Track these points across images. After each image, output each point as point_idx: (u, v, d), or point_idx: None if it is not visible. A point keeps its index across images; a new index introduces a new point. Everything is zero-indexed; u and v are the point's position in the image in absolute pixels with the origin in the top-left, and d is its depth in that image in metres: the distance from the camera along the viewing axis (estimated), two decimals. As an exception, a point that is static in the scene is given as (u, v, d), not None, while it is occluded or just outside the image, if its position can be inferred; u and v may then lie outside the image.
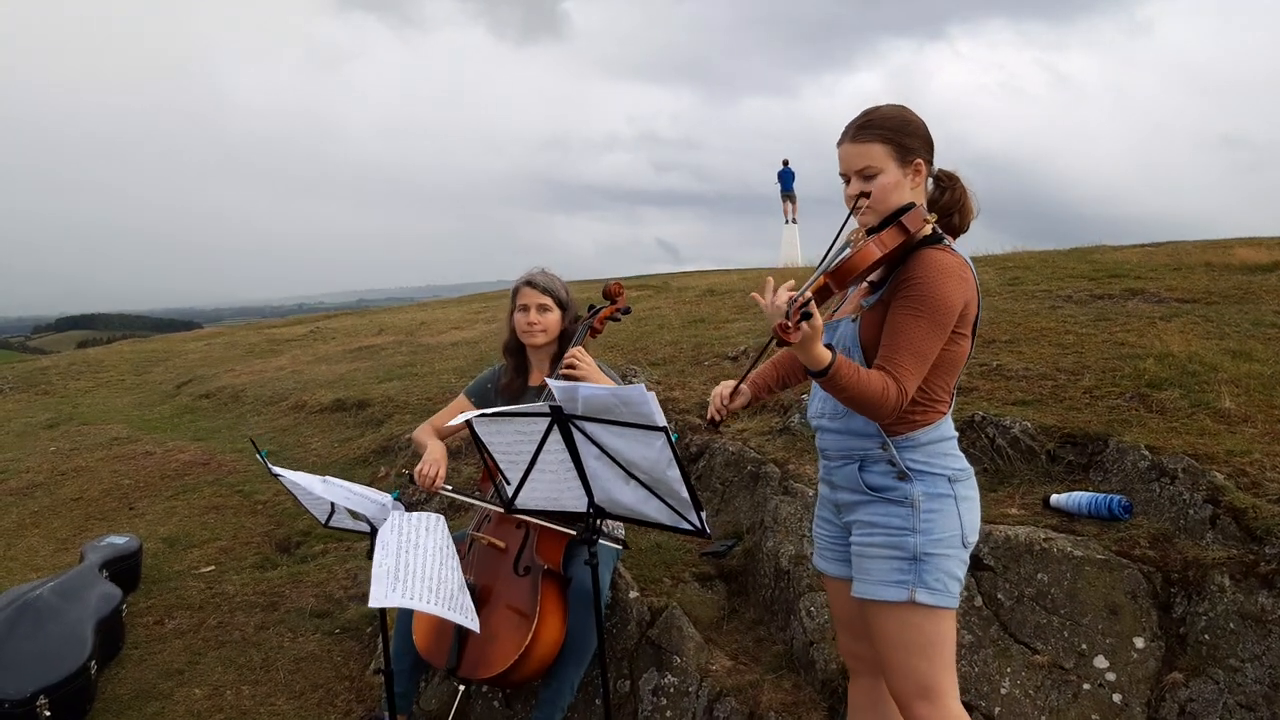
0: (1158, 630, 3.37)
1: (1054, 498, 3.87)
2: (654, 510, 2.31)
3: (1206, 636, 3.26)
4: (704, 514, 2.24)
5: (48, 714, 3.75)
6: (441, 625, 3.41)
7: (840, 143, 2.49)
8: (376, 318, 16.50)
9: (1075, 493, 3.84)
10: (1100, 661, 3.32)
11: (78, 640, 4.13)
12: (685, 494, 2.20)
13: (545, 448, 2.35)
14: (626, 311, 3.85)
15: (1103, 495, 3.77)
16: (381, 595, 2.41)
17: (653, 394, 2.11)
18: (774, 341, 2.12)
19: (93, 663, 4.08)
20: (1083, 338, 5.64)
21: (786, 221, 22.01)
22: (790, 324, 2.08)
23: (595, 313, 3.77)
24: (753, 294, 2.24)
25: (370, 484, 6.37)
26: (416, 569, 2.49)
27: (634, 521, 2.39)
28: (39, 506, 7.01)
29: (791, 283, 2.23)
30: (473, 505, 3.71)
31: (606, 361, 6.60)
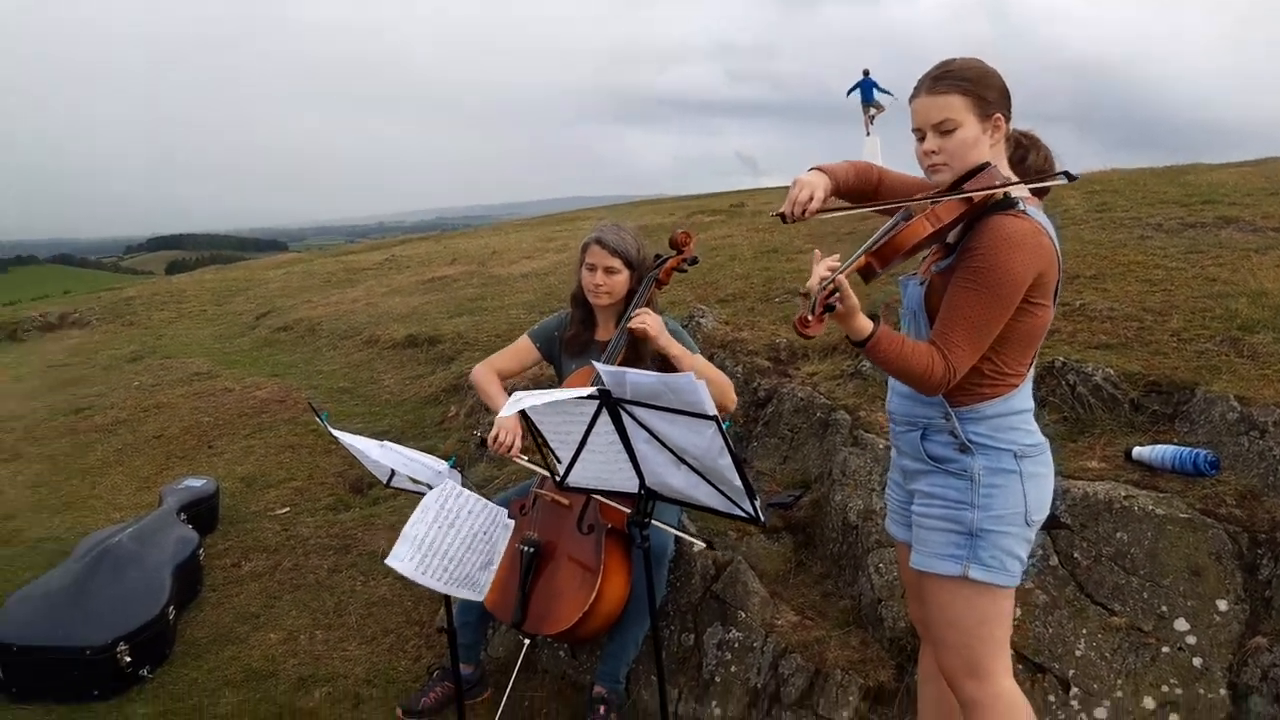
0: (1242, 593, 3.24)
1: (1137, 450, 3.71)
2: (705, 495, 2.24)
3: (1294, 601, 3.13)
4: (758, 502, 2.17)
5: (128, 659, 3.86)
6: (506, 581, 3.42)
7: (914, 96, 2.34)
8: (451, 244, 16.56)
9: (1159, 446, 3.68)
10: (1181, 624, 3.21)
11: (156, 586, 4.24)
12: (738, 482, 2.13)
13: (594, 430, 2.29)
14: (694, 262, 3.73)
15: (1188, 449, 3.60)
16: (401, 557, 2.40)
17: (702, 383, 2.03)
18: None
19: (171, 608, 4.18)
20: (1172, 273, 5.39)
21: (868, 134, 21.50)
22: (811, 318, 1.98)
23: (661, 264, 3.66)
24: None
25: (441, 424, 6.45)
26: (442, 548, 2.47)
27: (686, 505, 2.33)
28: (122, 444, 7.20)
29: (829, 262, 2.12)
30: (524, 466, 3.65)
31: (672, 304, 6.51)
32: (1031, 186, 2.35)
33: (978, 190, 2.18)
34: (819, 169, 2.53)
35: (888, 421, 2.58)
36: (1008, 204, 2.23)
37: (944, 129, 2.27)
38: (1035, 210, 2.28)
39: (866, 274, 2.16)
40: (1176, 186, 8.37)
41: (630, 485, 2.37)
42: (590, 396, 2.21)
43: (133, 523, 4.78)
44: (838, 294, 2.03)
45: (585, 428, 2.29)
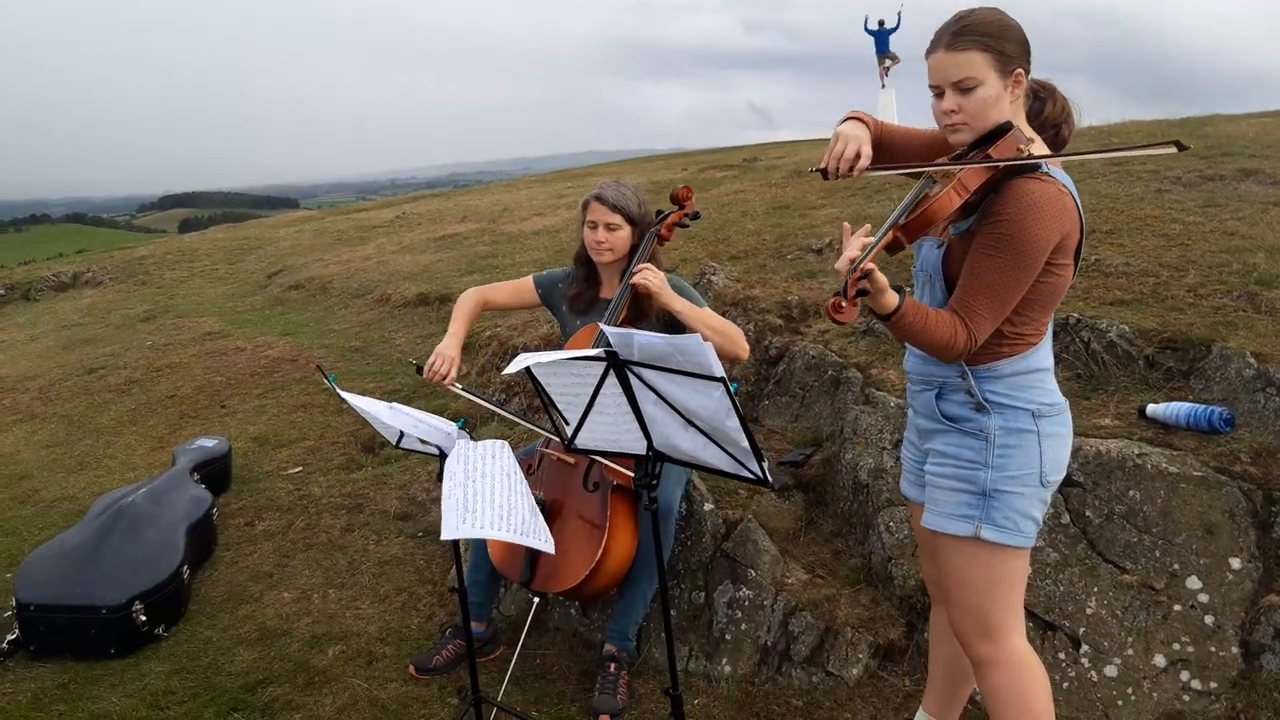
0: (1255, 551, 3.22)
1: (1151, 408, 3.68)
2: (713, 457, 2.23)
3: (1309, 560, 3.11)
4: (765, 463, 2.15)
5: (143, 619, 3.89)
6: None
7: (930, 52, 2.24)
8: (462, 200, 16.48)
9: (1174, 403, 3.65)
10: (1193, 582, 3.20)
11: (170, 545, 4.26)
12: (745, 443, 2.11)
13: (602, 391, 2.27)
14: (695, 217, 3.69)
15: (1203, 406, 3.57)
16: (453, 527, 2.39)
17: (709, 345, 2.00)
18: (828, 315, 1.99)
19: (185, 567, 4.21)
20: (1189, 227, 5.31)
21: (882, 86, 21.13)
22: (845, 303, 1.94)
23: (663, 219, 3.63)
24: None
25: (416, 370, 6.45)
26: (485, 497, 2.46)
27: (694, 466, 2.32)
28: (135, 404, 7.23)
29: (860, 240, 2.08)
30: (487, 408, 3.64)
31: (684, 262, 6.47)
32: (1053, 157, 2.26)
33: (1005, 161, 2.12)
34: (857, 118, 2.45)
35: (905, 380, 2.55)
36: (1031, 167, 2.17)
37: (964, 87, 2.18)
38: (1056, 170, 2.21)
39: (894, 248, 2.12)
40: (1195, 138, 8.23)
41: (638, 447, 2.36)
42: (597, 358, 2.19)
43: (147, 483, 4.80)
44: (867, 278, 1.99)
45: (592, 390, 2.28)
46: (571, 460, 3.50)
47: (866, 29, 19.13)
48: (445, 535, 2.41)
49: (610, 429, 2.36)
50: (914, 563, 3.50)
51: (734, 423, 2.09)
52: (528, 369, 2.30)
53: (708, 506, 3.82)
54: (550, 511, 3.47)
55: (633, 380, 2.18)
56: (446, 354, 3.55)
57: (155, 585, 3.99)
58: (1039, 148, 2.24)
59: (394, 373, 6.94)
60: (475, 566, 3.68)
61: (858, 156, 2.33)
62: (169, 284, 12.47)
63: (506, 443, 2.66)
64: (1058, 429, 2.32)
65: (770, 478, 2.21)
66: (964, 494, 2.32)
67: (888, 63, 21.16)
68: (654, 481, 2.37)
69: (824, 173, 2.35)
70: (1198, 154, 7.33)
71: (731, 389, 2.03)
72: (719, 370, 2.01)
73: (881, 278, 2.02)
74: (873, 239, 2.09)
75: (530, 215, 12.09)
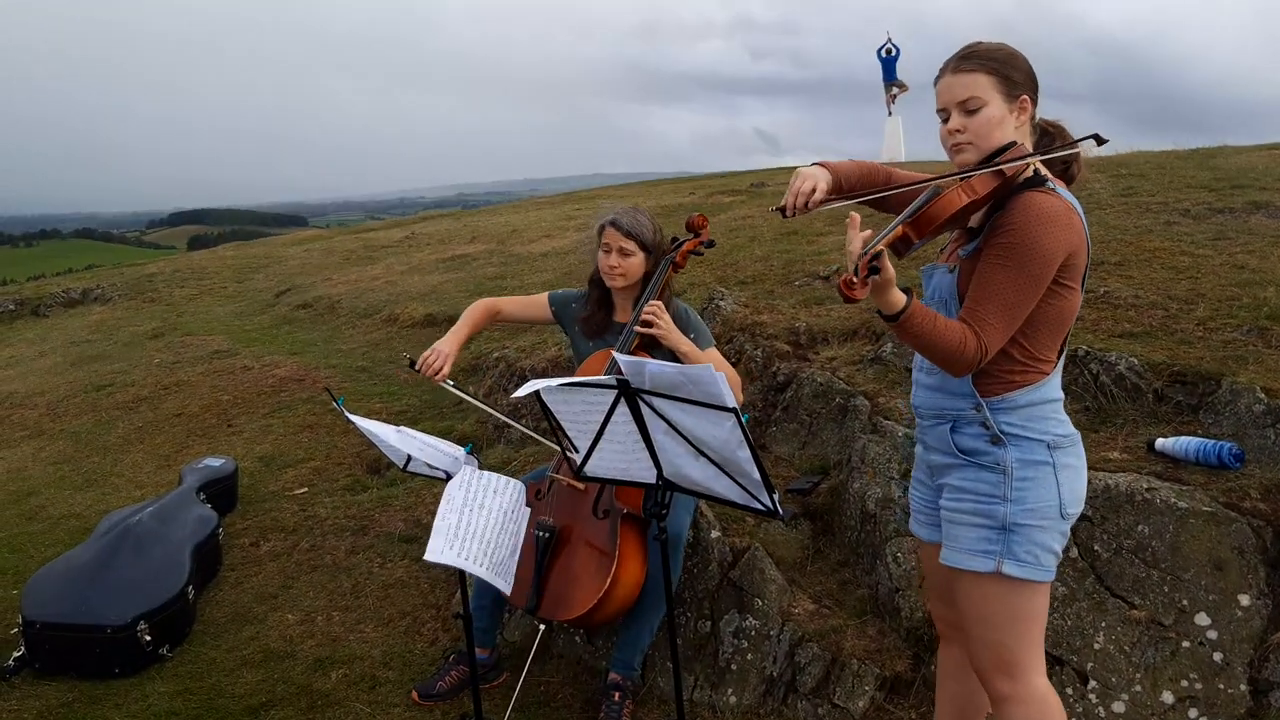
0: (1265, 588, 3.20)
1: (1160, 442, 3.66)
2: (724, 488, 2.22)
3: (1319, 598, 3.10)
4: (776, 495, 2.15)
5: (148, 638, 3.89)
6: (522, 566, 3.40)
7: (939, 77, 2.31)
8: (472, 221, 16.54)
9: (1183, 437, 3.64)
10: (1202, 619, 3.18)
11: (176, 565, 4.27)
12: (757, 475, 2.11)
13: (612, 419, 2.27)
14: (710, 245, 3.71)
15: (1212, 441, 3.56)
16: (438, 550, 2.40)
17: (722, 374, 2.00)
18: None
19: (190, 587, 4.21)
20: (1199, 260, 5.31)
21: (889, 113, 21.16)
22: (856, 280, 1.95)
23: (677, 247, 3.65)
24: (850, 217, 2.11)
25: (459, 404, 6.45)
26: (477, 530, 2.47)
27: (704, 497, 2.32)
28: (143, 422, 7.24)
29: (868, 233, 2.09)
30: (478, 408, 3.65)
31: (692, 287, 6.48)
32: (1058, 155, 2.30)
33: (1009, 163, 2.14)
34: (821, 164, 2.51)
35: (914, 416, 2.54)
36: (1038, 181, 2.19)
37: (969, 107, 2.24)
38: (1064, 190, 2.25)
39: (902, 246, 2.12)
40: (1205, 170, 8.25)
41: (648, 476, 2.35)
42: (608, 385, 2.19)
43: (153, 501, 4.81)
44: (879, 258, 2.00)
45: (603, 417, 2.28)
46: (581, 487, 3.50)
47: (879, 55, 19.17)
48: (429, 557, 2.43)
49: (620, 457, 2.36)
50: (921, 594, 3.48)
51: (745, 454, 2.09)
52: (537, 394, 2.31)
53: (715, 534, 3.81)
54: (559, 538, 3.47)
55: (644, 409, 2.18)
56: (442, 350, 3.58)
57: (160, 605, 3.99)
58: (1046, 170, 2.27)
59: (401, 393, 6.95)
60: (480, 592, 3.67)
61: (813, 191, 2.38)
62: (178, 301, 12.50)
63: (522, 485, 2.65)
64: (1072, 460, 2.31)
65: (780, 510, 2.20)
66: (983, 529, 2.29)
67: (895, 90, 21.17)
68: (664, 511, 2.37)
69: (782, 211, 2.40)
70: (1207, 186, 7.34)
71: (744, 419, 2.03)
72: (731, 401, 2.01)
73: (890, 267, 2.03)
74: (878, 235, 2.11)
75: (539, 237, 12.13)
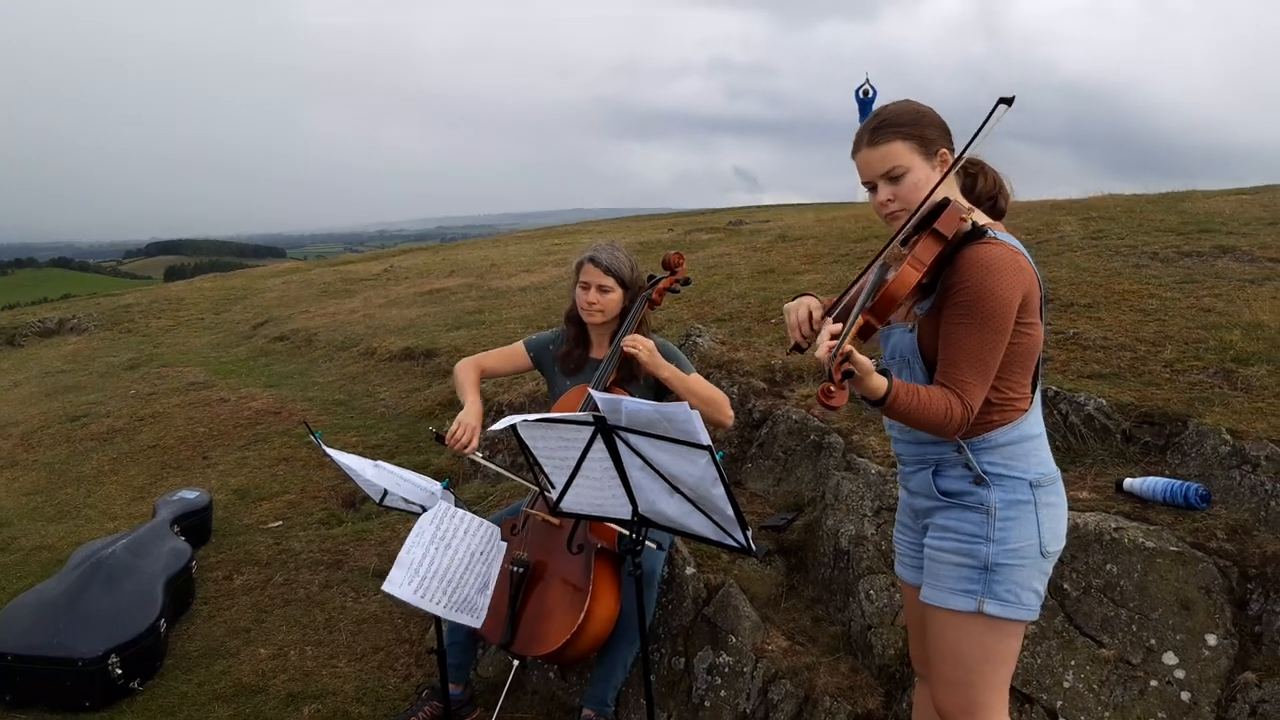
0: (1231, 627, 3.24)
1: (1128, 482, 3.72)
2: (698, 524, 2.25)
3: (1284, 637, 3.14)
4: (749, 532, 2.18)
5: (119, 672, 3.86)
6: (496, 601, 3.41)
7: (855, 152, 2.38)
8: (450, 255, 16.59)
9: (1150, 478, 3.70)
10: (1169, 658, 3.21)
11: (148, 598, 4.24)
12: (730, 511, 2.14)
13: (589, 455, 2.30)
14: (686, 283, 3.76)
15: (1179, 482, 3.61)
16: (397, 583, 2.42)
17: (696, 413, 2.04)
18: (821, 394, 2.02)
19: (162, 621, 4.18)
20: (1166, 303, 5.41)
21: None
22: (834, 388, 1.96)
23: (654, 284, 3.70)
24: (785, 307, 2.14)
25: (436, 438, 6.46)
26: (439, 569, 2.48)
27: (678, 533, 2.34)
28: (118, 453, 7.20)
29: (836, 326, 2.11)
30: (508, 478, 3.68)
31: (669, 323, 6.53)
32: (975, 138, 2.27)
33: (934, 210, 2.18)
34: (804, 294, 2.58)
35: (890, 457, 2.56)
36: (979, 233, 2.23)
37: (893, 175, 2.31)
38: (1004, 234, 2.29)
39: (866, 333, 2.15)
40: (1173, 214, 8.39)
41: (623, 512, 2.38)
42: (585, 422, 2.22)
43: (126, 534, 4.78)
44: (849, 360, 2.03)
45: (579, 453, 2.30)
46: (556, 521, 3.52)
47: (857, 95, 19.41)
48: (386, 587, 2.44)
49: (596, 493, 2.39)
50: (893, 632, 3.51)
51: (719, 491, 2.12)
52: (514, 428, 2.33)
53: (689, 570, 3.83)
54: (533, 573, 3.48)
55: (619, 445, 2.21)
56: (469, 423, 3.57)
57: (132, 638, 3.97)
58: (979, 217, 2.33)
59: (377, 427, 6.94)
60: (454, 628, 3.67)
61: (809, 314, 2.44)
62: (154, 332, 12.46)
63: (497, 528, 2.67)
64: (1052, 499, 2.34)
65: (754, 547, 2.23)
66: (965, 568, 2.31)
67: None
68: (639, 547, 2.39)
69: (798, 348, 2.44)
70: (1175, 230, 7.47)
71: (718, 457, 2.06)
72: (705, 439, 2.04)
73: (864, 359, 2.06)
74: (843, 327, 2.13)
75: (518, 271, 12.18)
